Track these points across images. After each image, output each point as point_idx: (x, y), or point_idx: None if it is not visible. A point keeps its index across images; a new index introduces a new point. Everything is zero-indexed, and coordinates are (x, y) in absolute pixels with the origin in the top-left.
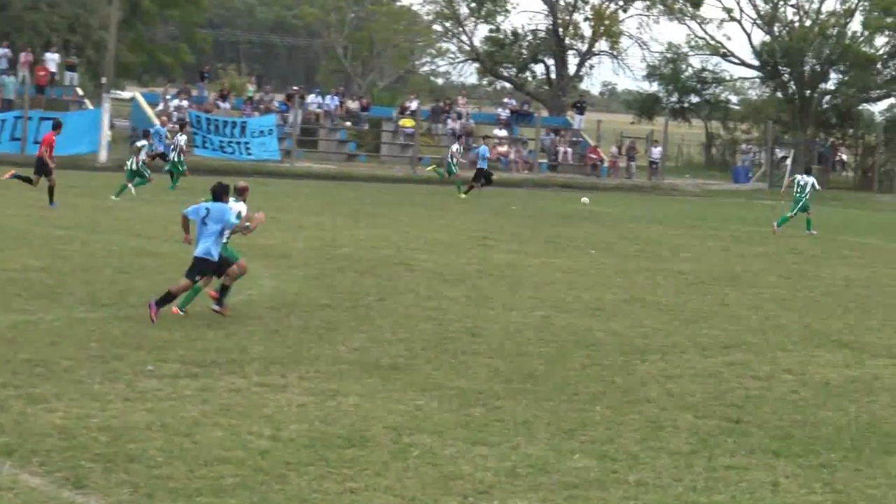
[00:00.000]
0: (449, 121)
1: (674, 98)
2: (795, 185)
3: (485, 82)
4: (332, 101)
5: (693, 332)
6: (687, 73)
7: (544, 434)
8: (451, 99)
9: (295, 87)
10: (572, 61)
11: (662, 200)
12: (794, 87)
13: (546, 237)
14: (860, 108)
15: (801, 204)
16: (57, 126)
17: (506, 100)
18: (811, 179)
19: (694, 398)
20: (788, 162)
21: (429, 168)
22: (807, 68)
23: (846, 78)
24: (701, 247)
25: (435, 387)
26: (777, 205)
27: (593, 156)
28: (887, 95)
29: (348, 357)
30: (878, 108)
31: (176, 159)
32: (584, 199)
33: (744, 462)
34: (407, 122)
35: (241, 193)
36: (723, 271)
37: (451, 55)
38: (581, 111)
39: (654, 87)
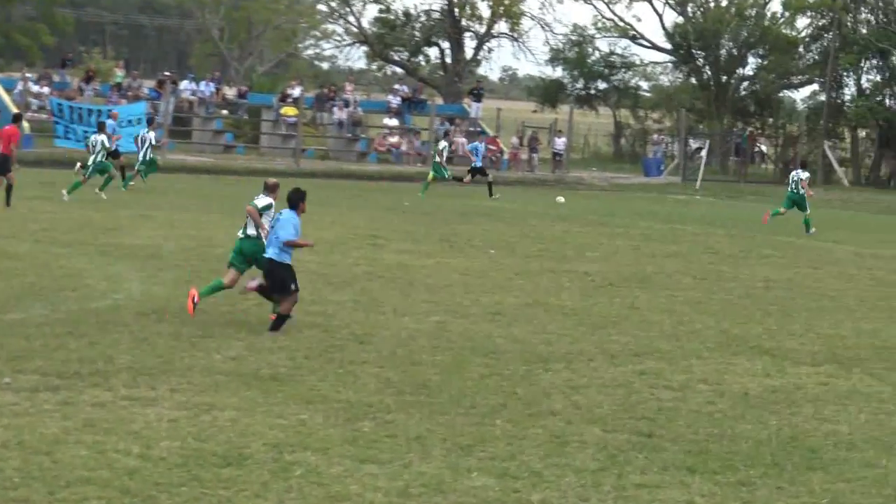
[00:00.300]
0: (335, 109)
1: (579, 84)
2: (790, 182)
3: (374, 67)
4: (206, 88)
5: (601, 339)
6: (594, 58)
7: (439, 450)
8: (337, 85)
9: (166, 73)
10: (469, 44)
11: (567, 195)
12: (709, 73)
13: (441, 235)
14: (780, 94)
15: (796, 201)
16: (17, 119)
17: (397, 86)
18: (806, 174)
19: (602, 410)
20: (703, 154)
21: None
22: (723, 52)
23: (765, 62)
24: (609, 246)
25: (320, 399)
26: (691, 199)
27: (492, 147)
28: (810, 81)
29: (224, 367)
30: (799, 95)
31: (148, 157)
32: (560, 199)
33: (656, 479)
34: (289, 111)
35: (272, 190)
36: (633, 272)
37: (338, 37)
38: (479, 98)
39: (558, 72)
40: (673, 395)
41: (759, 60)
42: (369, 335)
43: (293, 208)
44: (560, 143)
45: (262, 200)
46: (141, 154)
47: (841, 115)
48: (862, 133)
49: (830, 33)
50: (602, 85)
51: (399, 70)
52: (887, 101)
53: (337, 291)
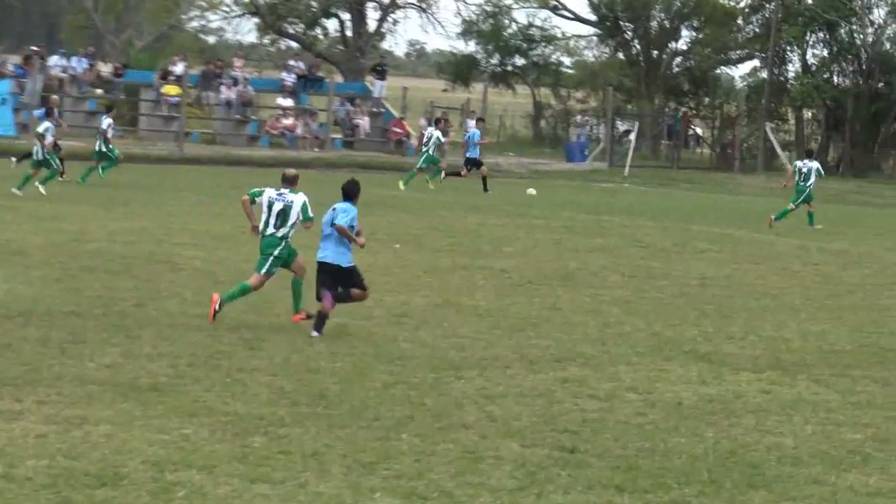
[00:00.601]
0: (222, 88)
1: (494, 60)
2: (797, 173)
3: (266, 41)
4: (79, 64)
5: (519, 343)
6: (510, 31)
7: (339, 468)
8: (224, 61)
9: (34, 47)
10: (372, 15)
11: (481, 183)
12: (638, 47)
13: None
14: (717, 71)
15: (805, 194)
16: None
17: (291, 62)
18: (814, 164)
19: (520, 423)
20: (632, 137)
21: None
22: (654, 24)
23: (701, 36)
24: (528, 239)
25: (205, 412)
26: (619, 188)
27: (398, 129)
28: (749, 57)
29: (98, 376)
30: (738, 72)
31: (104, 148)
32: (531, 191)
33: (580, 499)
34: (171, 90)
35: (292, 183)
36: (554, 269)
37: (226, 8)
38: (382, 76)
39: (470, 46)
40: (599, 405)
41: (694, 33)
42: (261, 340)
43: (349, 200)
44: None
45: (299, 198)
46: (96, 146)
47: (784, 95)
48: (807, 114)
49: (772, 4)
50: (520, 61)
51: (294, 44)
52: (835, 78)
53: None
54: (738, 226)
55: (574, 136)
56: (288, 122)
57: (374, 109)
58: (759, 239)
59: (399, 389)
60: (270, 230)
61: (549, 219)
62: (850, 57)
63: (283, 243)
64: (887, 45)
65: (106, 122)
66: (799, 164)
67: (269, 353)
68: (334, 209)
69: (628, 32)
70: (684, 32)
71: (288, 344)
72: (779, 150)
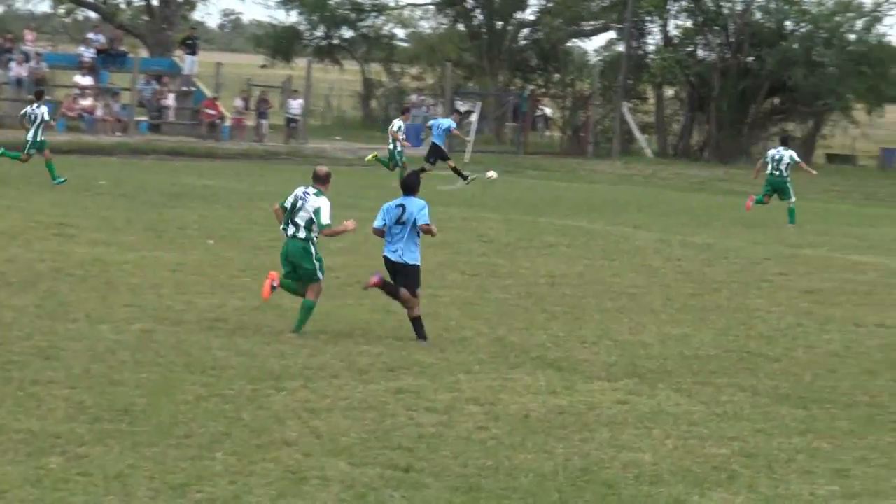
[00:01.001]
0: (12, 64)
1: (319, 33)
2: (770, 161)
3: (62, 11)
4: None
5: (347, 350)
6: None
7: (145, 491)
8: (14, 34)
9: None
10: None
11: (305, 171)
12: (480, 18)
13: (147, 223)
14: (569, 45)
15: (779, 187)
16: None
17: (91, 35)
18: (788, 152)
19: (348, 439)
20: (473, 118)
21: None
22: None
23: (550, 5)
24: (358, 234)
25: None
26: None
27: (210, 111)
28: (604, 28)
29: None
30: (592, 46)
31: (38, 137)
32: (491, 173)
33: None
34: None
35: (325, 182)
36: None
37: None
38: (193, 51)
39: (292, 17)
40: (436, 418)
41: (543, 2)
42: (57, 348)
43: (412, 193)
44: (295, 105)
45: (317, 201)
46: (31, 134)
47: (643, 71)
48: (669, 92)
49: None
50: (348, 33)
51: (93, 15)
52: (700, 52)
53: (16, 294)
54: (591, 218)
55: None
56: (86, 102)
57: (184, 88)
58: (614, 232)
59: (213, 403)
60: (291, 230)
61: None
62: (716, 28)
63: (310, 246)
64: (758, 15)
65: (34, 108)
66: (772, 151)
67: (66, 363)
68: (400, 206)
69: (469, 1)
70: (532, 1)
71: (88, 353)
72: (637, 132)
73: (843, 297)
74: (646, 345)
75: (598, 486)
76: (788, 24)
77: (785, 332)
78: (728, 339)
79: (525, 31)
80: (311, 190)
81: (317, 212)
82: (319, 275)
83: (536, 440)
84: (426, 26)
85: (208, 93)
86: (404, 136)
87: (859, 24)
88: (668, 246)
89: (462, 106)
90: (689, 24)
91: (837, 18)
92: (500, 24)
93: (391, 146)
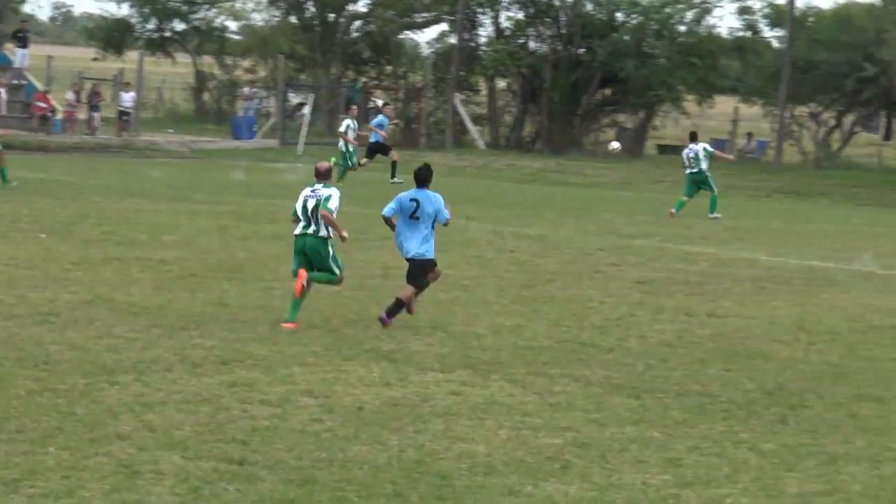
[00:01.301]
0: None
1: (151, 25)
2: (686, 160)
3: None
4: None
5: (180, 344)
6: None
7: None
8: None
9: None
10: None
11: (138, 164)
12: (313, 10)
13: None
14: (401, 37)
15: (701, 182)
16: None
17: None
18: (700, 146)
19: (182, 432)
20: (306, 111)
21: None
22: None
23: None
24: (190, 227)
25: None
26: (292, 167)
27: (42, 104)
28: (436, 20)
29: None
30: (424, 38)
31: None
32: (614, 144)
33: None
34: None
35: (324, 177)
36: (220, 259)
37: None
38: (24, 44)
39: (124, 9)
40: (271, 411)
41: None
42: None
43: (425, 185)
44: (128, 98)
45: (328, 190)
46: None
47: (476, 62)
48: (501, 84)
49: None
50: (180, 26)
51: None
52: (532, 43)
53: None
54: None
55: (241, 110)
56: None
57: (15, 81)
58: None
59: (45, 397)
60: (312, 228)
61: (214, 203)
62: (548, 20)
63: (326, 244)
64: (589, 7)
65: None
66: (686, 151)
67: None
68: (414, 200)
69: None
70: None
71: None
72: (469, 124)
73: (675, 287)
74: (479, 336)
75: (432, 478)
76: (619, 15)
77: (617, 323)
78: (561, 330)
79: (357, 23)
80: (319, 185)
81: (328, 198)
82: (338, 272)
83: (370, 432)
84: (258, 19)
85: (39, 86)
86: (354, 136)
87: (689, 15)
88: (501, 237)
89: (295, 98)
90: (520, 15)
91: (668, 10)
92: (332, 16)
93: (342, 148)
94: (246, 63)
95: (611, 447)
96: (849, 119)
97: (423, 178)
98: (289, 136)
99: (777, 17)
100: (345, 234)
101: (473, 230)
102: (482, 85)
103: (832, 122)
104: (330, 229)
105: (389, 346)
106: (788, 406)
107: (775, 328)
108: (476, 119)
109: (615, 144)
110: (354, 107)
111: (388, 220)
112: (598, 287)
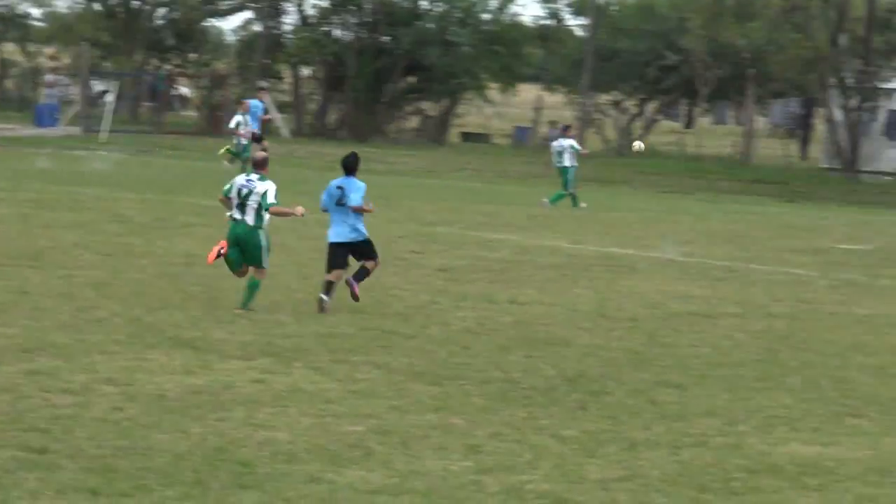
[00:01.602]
0: None
1: None
2: (554, 154)
3: None
4: None
5: None
6: None
7: None
8: None
9: None
10: None
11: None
12: None
13: None
14: (206, 24)
15: (566, 176)
16: None
17: None
18: (568, 142)
19: None
20: (110, 98)
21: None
22: None
23: None
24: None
25: None
26: (95, 155)
27: None
28: (241, 8)
29: None
30: (229, 25)
31: None
32: (639, 144)
33: None
34: None
35: (264, 167)
36: (21, 247)
37: None
38: None
39: None
40: (72, 399)
41: None
42: None
43: (352, 174)
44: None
45: (264, 185)
46: None
47: (280, 50)
48: (306, 72)
49: None
50: None
51: None
52: (337, 31)
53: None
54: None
55: (44, 97)
56: None
57: None
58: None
59: None
60: (243, 216)
61: (15, 191)
62: (352, 8)
63: (258, 234)
64: None
65: None
66: (554, 144)
67: None
68: (339, 188)
69: None
70: None
71: None
72: (273, 111)
73: (477, 274)
74: (282, 323)
75: (234, 465)
76: (424, 3)
77: (419, 310)
78: (363, 318)
79: (161, 10)
80: (255, 176)
81: (265, 194)
82: (265, 262)
83: (172, 420)
84: (62, 5)
85: None
86: (245, 129)
87: (493, 3)
88: (304, 224)
89: (98, 86)
90: (325, 3)
91: None
92: (136, 3)
93: (235, 140)
94: (49, 50)
95: (412, 434)
96: (651, 107)
97: (350, 166)
98: (92, 123)
99: (580, 6)
100: (299, 210)
101: (275, 217)
102: (287, 73)
103: (634, 111)
104: (262, 219)
105: (191, 334)
106: (589, 392)
107: (576, 315)
108: (280, 107)
109: (639, 144)
110: (246, 101)
111: (360, 209)
112: (401, 274)
